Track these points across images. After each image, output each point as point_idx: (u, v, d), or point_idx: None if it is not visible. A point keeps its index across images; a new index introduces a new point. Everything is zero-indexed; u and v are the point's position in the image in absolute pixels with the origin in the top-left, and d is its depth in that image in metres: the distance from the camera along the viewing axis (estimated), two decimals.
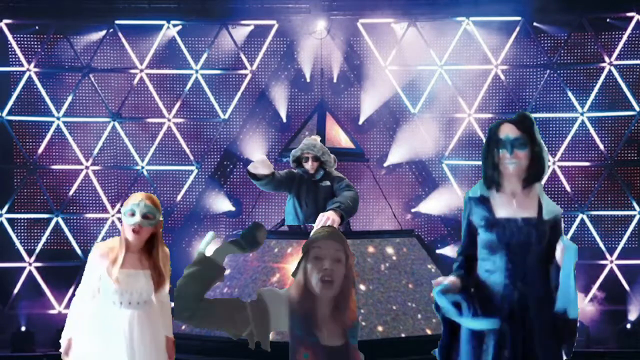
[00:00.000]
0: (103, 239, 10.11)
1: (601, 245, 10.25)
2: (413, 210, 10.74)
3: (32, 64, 10.33)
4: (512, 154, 3.95)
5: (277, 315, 3.36)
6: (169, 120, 10.53)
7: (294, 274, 3.44)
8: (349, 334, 3.38)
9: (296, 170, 7.56)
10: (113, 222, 10.42)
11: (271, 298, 3.38)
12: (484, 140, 4.11)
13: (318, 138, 7.66)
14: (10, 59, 10.58)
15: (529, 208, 3.99)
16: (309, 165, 7.45)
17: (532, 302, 3.91)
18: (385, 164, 10.71)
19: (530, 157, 3.97)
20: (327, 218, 6.86)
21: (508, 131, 3.98)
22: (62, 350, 4.73)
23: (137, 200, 4.70)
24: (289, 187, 7.47)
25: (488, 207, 4.03)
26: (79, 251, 10.16)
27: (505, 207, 4.00)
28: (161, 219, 4.78)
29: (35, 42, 10.63)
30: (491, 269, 3.99)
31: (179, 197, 10.59)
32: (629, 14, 10.27)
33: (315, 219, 7.26)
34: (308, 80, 10.61)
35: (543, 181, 4.12)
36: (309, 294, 3.34)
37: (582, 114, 10.41)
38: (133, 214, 4.67)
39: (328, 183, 7.51)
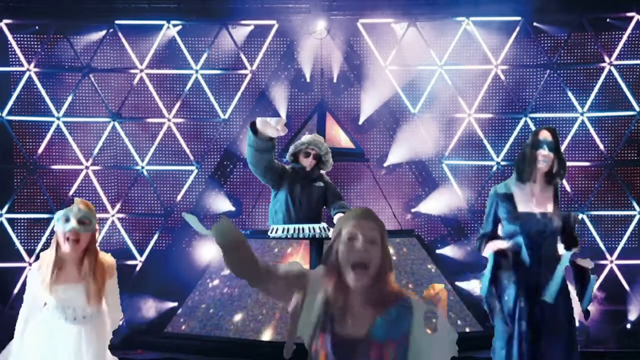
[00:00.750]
0: (103, 239, 10.13)
1: (601, 245, 10.25)
2: (413, 210, 10.73)
3: (32, 64, 10.33)
4: (547, 153, 5.08)
5: (311, 301, 3.02)
6: (169, 120, 10.53)
7: (325, 259, 3.05)
8: (376, 324, 2.96)
9: (289, 167, 7.38)
10: (113, 222, 10.42)
11: (314, 281, 3.03)
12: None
13: (322, 138, 7.54)
14: (10, 59, 10.58)
15: (546, 205, 5.05)
16: (307, 162, 7.23)
17: (545, 283, 4.91)
18: (385, 164, 10.70)
19: (556, 161, 5.13)
20: None
21: (546, 135, 5.16)
22: None
23: (70, 206, 4.43)
24: (279, 180, 7.17)
25: (512, 203, 5.03)
26: None
27: (525, 204, 5.02)
28: (97, 227, 4.49)
29: (35, 42, 10.63)
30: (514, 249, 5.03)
31: (179, 197, 10.59)
32: (629, 14, 10.27)
33: (307, 217, 7.22)
34: (308, 80, 10.61)
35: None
36: (341, 284, 2.98)
37: (582, 114, 10.41)
38: (67, 219, 4.38)
39: (322, 184, 7.39)
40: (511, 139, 10.48)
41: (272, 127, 6.56)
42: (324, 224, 7.36)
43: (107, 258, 4.59)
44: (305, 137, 7.35)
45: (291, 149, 7.32)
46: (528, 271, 4.98)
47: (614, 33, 10.59)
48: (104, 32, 10.48)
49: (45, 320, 4.52)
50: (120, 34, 10.41)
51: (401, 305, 2.99)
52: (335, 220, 7.06)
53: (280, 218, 7.34)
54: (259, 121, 6.63)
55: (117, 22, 10.37)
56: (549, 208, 5.03)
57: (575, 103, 10.42)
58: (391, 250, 8.10)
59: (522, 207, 5.02)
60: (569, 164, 10.34)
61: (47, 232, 10.29)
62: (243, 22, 10.53)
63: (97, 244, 4.58)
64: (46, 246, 10.16)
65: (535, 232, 4.98)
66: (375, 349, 2.95)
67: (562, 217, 5.06)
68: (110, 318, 4.64)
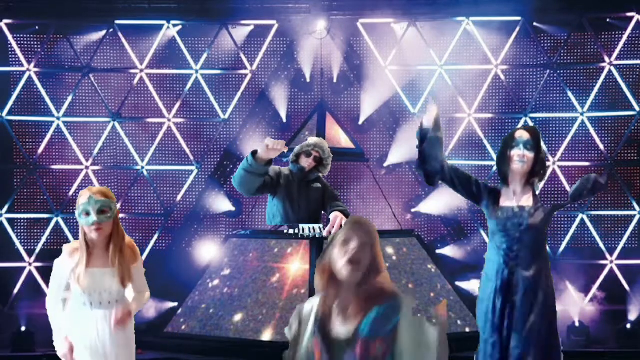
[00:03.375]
0: None
1: (601, 245, 10.25)
2: (413, 210, 10.73)
3: (32, 64, 10.33)
4: (523, 153, 5.01)
5: (305, 330, 3.31)
6: (169, 120, 10.53)
7: (321, 259, 3.31)
8: (363, 323, 3.19)
9: (286, 169, 7.32)
10: None
11: (306, 312, 3.32)
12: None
13: (326, 143, 7.53)
14: (10, 59, 10.58)
15: (526, 200, 5.06)
16: (307, 162, 7.19)
17: (519, 280, 4.97)
18: (385, 164, 10.70)
19: (535, 160, 5.03)
20: (342, 218, 6.87)
21: (522, 134, 5.06)
22: (63, 352, 4.64)
23: (86, 198, 4.49)
24: (274, 187, 7.14)
25: (496, 198, 5.12)
26: None
27: (507, 199, 5.10)
28: (117, 208, 4.59)
29: (35, 42, 10.63)
30: (493, 248, 5.10)
31: (179, 197, 10.59)
32: (629, 14, 10.26)
33: (307, 220, 7.25)
34: (308, 80, 10.60)
35: (542, 184, 5.26)
36: (332, 281, 3.26)
37: (582, 114, 10.41)
38: (88, 214, 4.47)
39: (319, 185, 7.38)
40: None
41: (275, 150, 6.67)
42: (321, 225, 7.37)
43: (130, 241, 4.71)
44: (312, 139, 7.39)
45: (297, 149, 7.33)
46: (504, 267, 5.02)
47: (614, 33, 10.59)
48: (104, 32, 10.48)
49: (71, 313, 4.63)
50: (120, 34, 10.41)
51: (390, 303, 3.21)
52: (330, 217, 7.09)
53: (278, 222, 7.36)
54: (261, 149, 6.71)
55: (117, 22, 10.37)
56: (529, 202, 5.04)
57: (575, 103, 10.42)
58: (391, 250, 8.12)
59: (503, 202, 5.10)
60: (569, 164, 10.47)
61: (47, 232, 10.29)
62: (243, 22, 10.52)
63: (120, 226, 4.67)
64: (46, 246, 10.24)
65: (512, 225, 5.01)
66: (362, 344, 3.16)
67: (549, 209, 5.09)
68: (137, 299, 4.75)
